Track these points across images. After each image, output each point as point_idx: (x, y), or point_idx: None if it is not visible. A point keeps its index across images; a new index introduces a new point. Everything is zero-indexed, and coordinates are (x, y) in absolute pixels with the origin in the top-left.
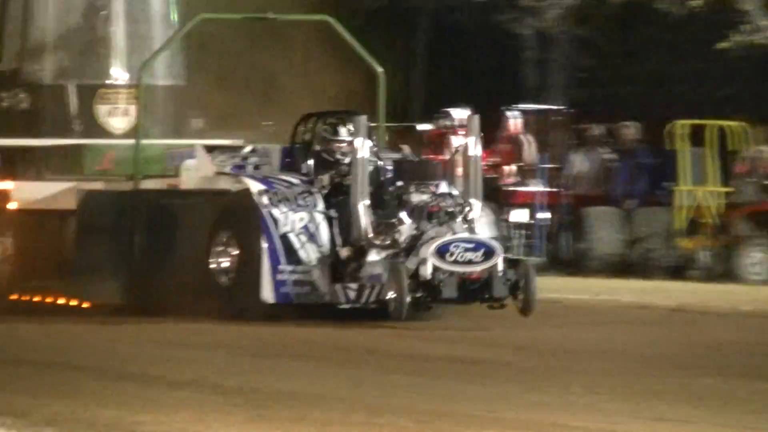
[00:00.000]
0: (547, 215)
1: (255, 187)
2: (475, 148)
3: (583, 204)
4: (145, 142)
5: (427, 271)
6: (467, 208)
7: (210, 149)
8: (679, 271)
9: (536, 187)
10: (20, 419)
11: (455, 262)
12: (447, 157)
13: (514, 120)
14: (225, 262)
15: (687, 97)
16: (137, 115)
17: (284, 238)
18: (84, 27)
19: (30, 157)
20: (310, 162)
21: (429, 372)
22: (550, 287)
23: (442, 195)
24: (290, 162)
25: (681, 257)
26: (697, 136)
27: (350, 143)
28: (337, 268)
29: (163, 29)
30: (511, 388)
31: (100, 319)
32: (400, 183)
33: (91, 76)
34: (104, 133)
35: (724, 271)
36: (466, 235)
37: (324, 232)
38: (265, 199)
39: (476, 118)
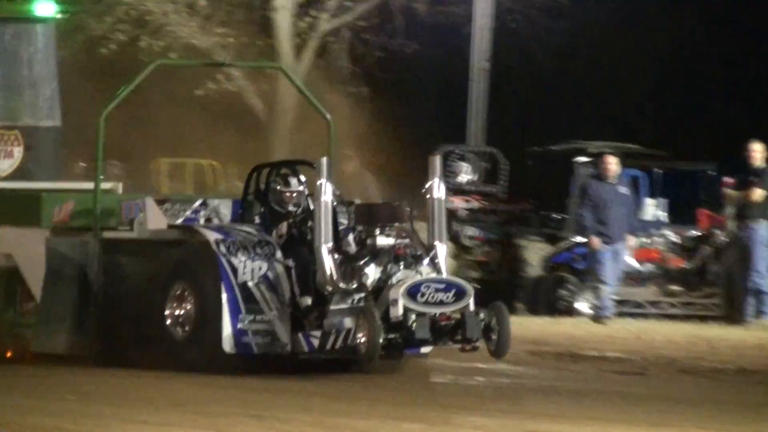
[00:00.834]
0: None
1: (212, 236)
2: (439, 190)
3: None
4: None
5: (398, 312)
6: (432, 251)
7: (160, 202)
8: None
9: None
10: None
11: (426, 303)
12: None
13: None
14: (180, 315)
15: None
16: (96, 156)
17: (244, 287)
18: None
19: None
20: (263, 212)
21: None
22: None
23: (408, 237)
24: (243, 214)
25: None
26: None
27: (301, 193)
28: (297, 318)
29: (44, 70)
30: None
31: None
32: (360, 227)
33: None
34: None
35: None
36: (436, 275)
37: (284, 281)
38: (223, 248)
39: (437, 159)
